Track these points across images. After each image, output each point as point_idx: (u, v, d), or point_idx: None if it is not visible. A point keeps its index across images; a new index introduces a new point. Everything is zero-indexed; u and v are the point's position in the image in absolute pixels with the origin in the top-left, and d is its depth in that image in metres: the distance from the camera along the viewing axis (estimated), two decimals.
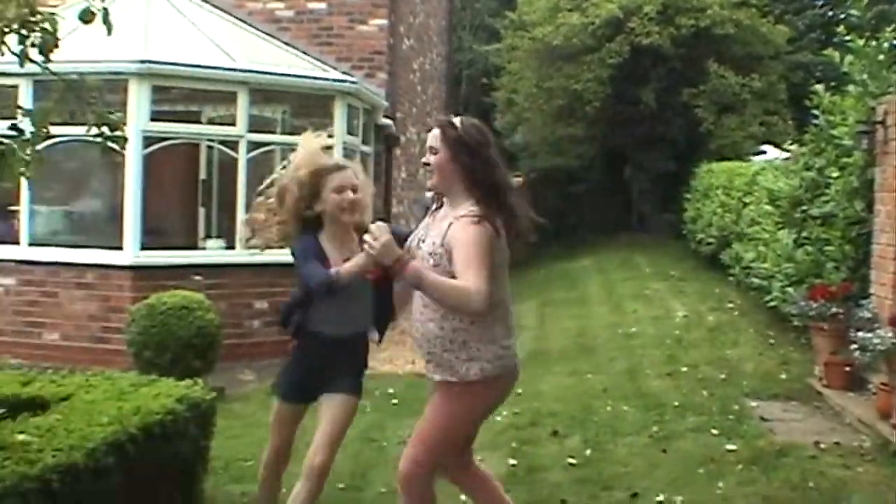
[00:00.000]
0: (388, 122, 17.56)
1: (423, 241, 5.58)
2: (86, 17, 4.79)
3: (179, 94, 14.52)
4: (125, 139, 5.44)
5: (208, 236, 14.62)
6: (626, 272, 22.47)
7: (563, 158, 31.26)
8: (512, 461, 8.58)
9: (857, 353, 9.66)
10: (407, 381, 12.43)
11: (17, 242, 13.04)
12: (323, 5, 16.99)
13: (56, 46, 4.71)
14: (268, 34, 16.31)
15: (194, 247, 14.20)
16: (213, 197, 15.48)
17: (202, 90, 14.13)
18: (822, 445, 8.99)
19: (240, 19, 16.27)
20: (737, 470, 8.19)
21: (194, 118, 15.29)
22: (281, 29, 16.74)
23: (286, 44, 16.18)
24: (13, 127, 4.96)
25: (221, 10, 16.20)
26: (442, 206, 5.69)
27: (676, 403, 10.55)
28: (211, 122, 15.50)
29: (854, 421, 9.86)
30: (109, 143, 5.35)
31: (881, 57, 12.27)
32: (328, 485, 7.95)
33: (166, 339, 10.60)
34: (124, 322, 12.05)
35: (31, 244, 13.01)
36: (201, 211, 15.38)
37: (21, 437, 5.44)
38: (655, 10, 26.73)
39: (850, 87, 12.49)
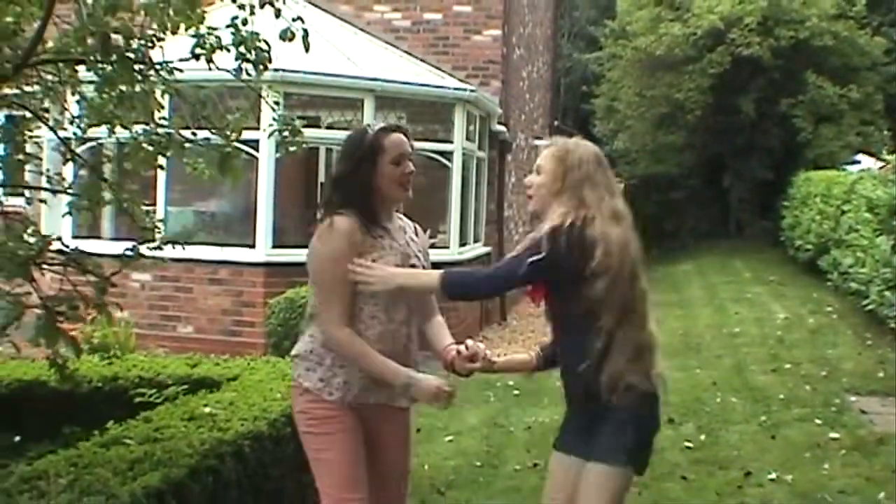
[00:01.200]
0: (502, 128, 18.18)
1: None
2: (286, 36, 5.57)
3: (299, 100, 15.14)
4: (302, 143, 6.25)
5: None
6: (726, 276, 22.90)
7: (664, 166, 31.65)
8: None
9: None
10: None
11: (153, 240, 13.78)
12: (439, 16, 17.62)
13: (270, 62, 5.50)
14: (388, 43, 17.00)
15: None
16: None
17: (327, 97, 14.84)
18: None
19: (361, 29, 16.95)
20: (840, 455, 8.85)
21: (313, 123, 15.93)
22: (398, 38, 17.34)
23: (406, 52, 16.87)
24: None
25: (343, 20, 16.92)
26: None
27: (781, 396, 11.19)
28: (330, 127, 16.10)
29: None
30: (289, 146, 6.17)
31: None
32: (466, 461, 8.79)
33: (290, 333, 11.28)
34: (257, 316, 12.85)
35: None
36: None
37: (207, 409, 6.28)
38: (756, 22, 27.03)
39: None
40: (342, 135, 7.04)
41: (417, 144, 14.73)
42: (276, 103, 6.37)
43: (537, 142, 24.32)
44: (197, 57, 5.36)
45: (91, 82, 5.45)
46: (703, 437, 9.61)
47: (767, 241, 27.81)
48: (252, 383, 7.10)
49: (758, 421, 10.17)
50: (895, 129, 29.05)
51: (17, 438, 6.86)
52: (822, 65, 28.24)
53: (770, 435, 9.59)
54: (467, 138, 16.04)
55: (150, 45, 5.14)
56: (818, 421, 10.10)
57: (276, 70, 5.97)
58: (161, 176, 12.88)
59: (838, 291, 18.19)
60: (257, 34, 5.46)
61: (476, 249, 17.01)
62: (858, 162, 27.47)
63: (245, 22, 5.27)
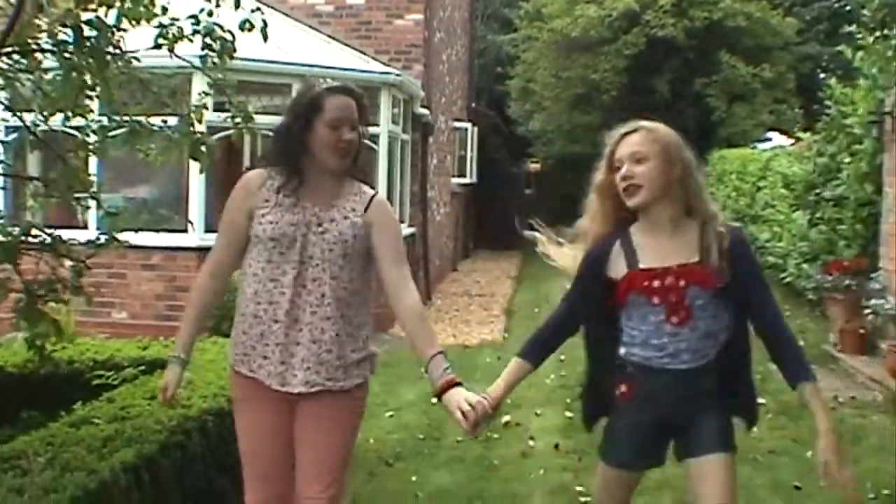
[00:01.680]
0: (425, 111, 18.45)
1: None
2: (244, 26, 5.85)
3: (225, 85, 15.24)
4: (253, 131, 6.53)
5: None
6: None
7: (580, 145, 31.78)
8: (569, 413, 9.70)
9: (870, 318, 10.76)
10: (453, 352, 13.48)
11: (85, 227, 13.92)
12: (361, 1, 17.87)
13: (235, 51, 5.77)
14: (312, 27, 17.21)
15: None
16: None
17: (254, 82, 15.01)
18: (840, 399, 10.16)
19: (285, 14, 17.11)
20: (767, 419, 9.28)
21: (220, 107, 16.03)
22: (322, 23, 17.51)
23: (330, 37, 17.08)
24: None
25: (268, 5, 17.11)
26: None
27: None
28: (256, 112, 16.27)
29: (866, 380, 10.99)
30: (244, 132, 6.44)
31: (889, 52, 13.31)
32: (409, 435, 9.11)
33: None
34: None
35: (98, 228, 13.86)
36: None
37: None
38: (670, 3, 27.51)
39: (861, 81, 13.53)
40: (269, 120, 7.17)
41: None
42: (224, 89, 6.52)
43: (456, 124, 24.69)
44: (159, 46, 5.61)
45: (47, 70, 5.70)
46: None
47: None
48: (204, 363, 7.34)
49: None
50: (807, 108, 29.61)
51: None
52: (736, 45, 28.77)
53: None
54: (392, 121, 16.28)
55: (115, 35, 5.37)
56: None
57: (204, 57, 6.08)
58: (92, 163, 13.01)
59: None
60: (221, 26, 5.71)
61: (403, 231, 17.31)
62: (770, 139, 28.02)
63: (210, 13, 5.53)
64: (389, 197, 16.07)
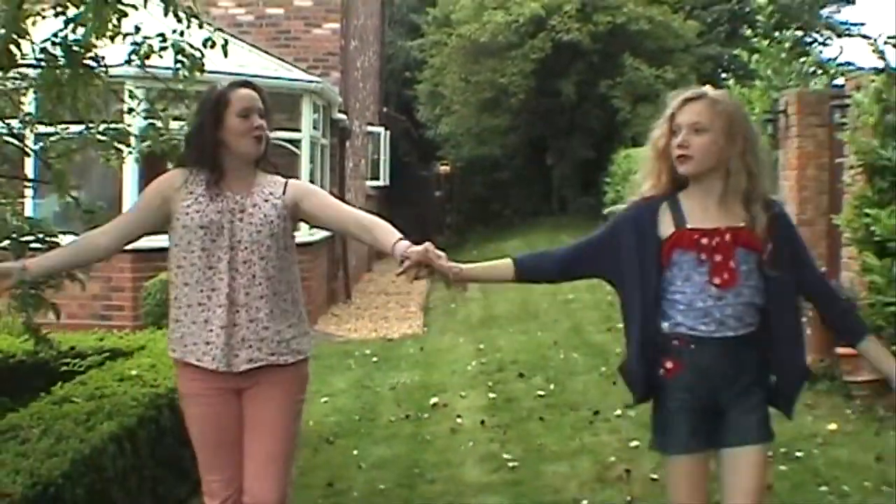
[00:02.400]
0: (342, 116, 19.13)
1: None
2: (207, 43, 6.52)
3: (152, 93, 15.74)
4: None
5: None
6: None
7: (488, 147, 32.64)
8: (492, 395, 10.50)
9: None
10: (376, 344, 14.19)
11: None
12: (281, 11, 18.49)
13: (203, 66, 6.43)
14: (234, 37, 17.79)
15: None
16: None
17: (178, 90, 15.53)
18: None
19: (208, 24, 17.63)
20: None
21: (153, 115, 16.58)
22: (242, 32, 18.05)
23: (252, 46, 17.67)
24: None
25: (193, 15, 17.63)
26: None
27: (618, 351, 12.35)
28: (178, 118, 16.79)
29: None
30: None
31: (783, 55, 14.25)
32: (345, 417, 9.80)
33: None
34: (125, 300, 13.63)
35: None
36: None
37: (133, 371, 7.18)
38: (575, 9, 28.25)
39: (757, 82, 14.42)
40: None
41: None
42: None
43: (369, 128, 25.30)
44: (130, 62, 6.26)
45: (32, 85, 6.33)
46: (552, 386, 10.80)
47: (590, 215, 28.90)
48: (160, 351, 7.86)
49: (598, 371, 11.39)
50: None
51: None
52: (639, 48, 29.57)
53: (611, 382, 10.70)
54: (313, 127, 16.93)
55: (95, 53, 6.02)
56: None
57: (139, 67, 6.58)
58: (29, 166, 13.49)
59: None
60: (191, 44, 6.37)
61: (323, 232, 17.96)
62: None
63: (182, 33, 6.19)
64: None
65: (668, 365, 4.18)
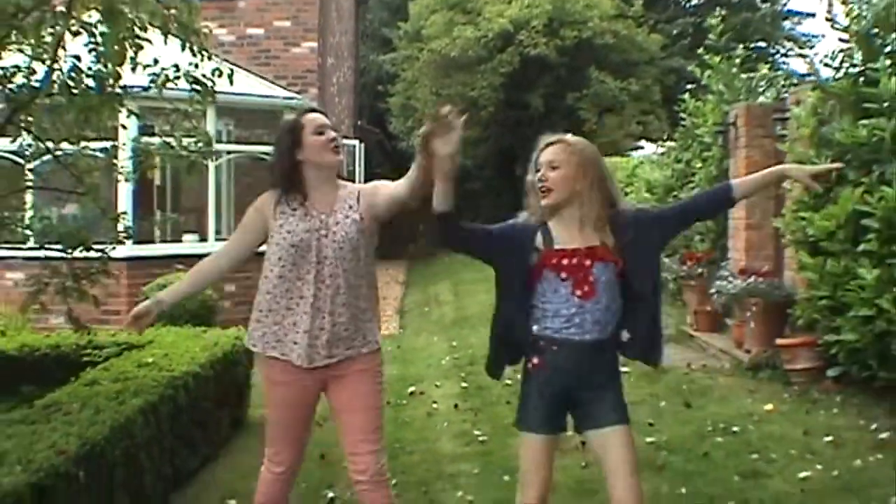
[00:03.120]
0: None
1: None
2: (215, 73, 7.49)
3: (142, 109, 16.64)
4: (214, 153, 8.14)
5: (185, 231, 16.85)
6: None
7: (459, 159, 33.39)
8: (464, 384, 11.48)
9: (715, 297, 12.63)
10: None
11: (24, 242, 15.23)
12: (261, 31, 19.39)
13: (215, 94, 7.40)
14: (216, 55, 18.67)
15: (178, 240, 16.38)
16: (167, 200, 17.90)
17: (170, 108, 16.44)
18: (693, 367, 12.05)
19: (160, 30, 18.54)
20: (630, 381, 11.00)
21: (150, 132, 17.44)
22: (224, 52, 18.89)
23: (235, 65, 18.55)
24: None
25: (178, 37, 18.51)
26: None
27: None
28: (165, 133, 17.65)
29: (717, 352, 12.91)
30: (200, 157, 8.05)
31: (734, 70, 15.32)
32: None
33: (177, 310, 12.82)
34: (121, 304, 14.53)
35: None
36: (158, 213, 17.67)
37: (150, 359, 8.13)
38: (542, 24, 29.09)
39: (710, 96, 15.49)
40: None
41: (250, 148, 16.27)
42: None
43: (345, 141, 26.18)
44: (148, 88, 7.25)
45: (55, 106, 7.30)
46: (518, 376, 11.71)
47: None
48: (168, 343, 8.92)
49: None
50: (672, 118, 31.40)
51: None
52: (604, 61, 30.43)
53: None
54: None
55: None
56: None
57: (128, 87, 7.40)
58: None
59: None
60: (205, 74, 7.35)
61: None
62: (643, 148, 29.63)
63: (196, 66, 7.17)
64: None
65: (535, 361, 4.89)
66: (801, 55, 25.18)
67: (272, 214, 5.40)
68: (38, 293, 7.19)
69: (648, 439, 8.70)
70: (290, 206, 5.37)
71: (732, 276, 12.65)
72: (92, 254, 7.54)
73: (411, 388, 11.41)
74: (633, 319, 4.96)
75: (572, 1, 29.84)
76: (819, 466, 7.72)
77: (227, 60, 18.59)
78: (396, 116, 36.01)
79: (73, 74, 6.88)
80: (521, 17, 29.32)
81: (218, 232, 16.75)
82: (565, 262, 4.84)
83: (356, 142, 27.84)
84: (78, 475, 5.41)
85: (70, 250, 7.30)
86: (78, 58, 6.92)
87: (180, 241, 16.17)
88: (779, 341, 11.06)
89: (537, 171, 4.94)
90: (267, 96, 17.05)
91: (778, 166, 5.36)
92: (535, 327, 4.89)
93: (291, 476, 5.74)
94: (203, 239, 16.20)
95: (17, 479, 4.80)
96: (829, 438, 8.49)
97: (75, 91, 6.92)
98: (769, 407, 9.85)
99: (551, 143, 5.00)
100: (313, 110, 5.67)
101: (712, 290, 12.87)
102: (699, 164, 15.67)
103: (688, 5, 42.84)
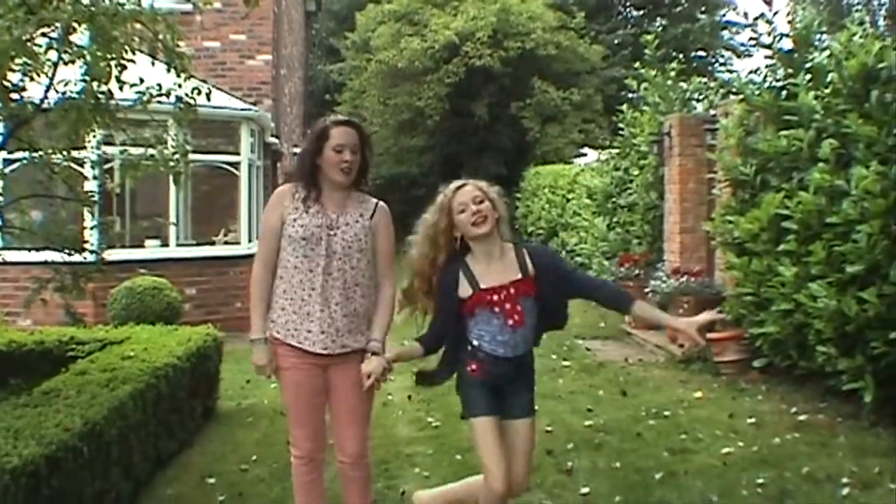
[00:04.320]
0: (274, 140, 20.69)
1: None
2: (193, 91, 8.21)
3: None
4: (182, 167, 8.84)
5: (147, 237, 17.31)
6: None
7: (406, 166, 33.88)
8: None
9: (650, 295, 13.47)
10: None
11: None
12: (217, 44, 19.90)
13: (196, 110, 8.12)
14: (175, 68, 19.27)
15: (140, 245, 16.81)
16: (126, 207, 18.49)
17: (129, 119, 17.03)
18: (630, 361, 12.93)
19: (150, 55, 19.14)
20: (571, 374, 11.97)
21: (110, 142, 17.93)
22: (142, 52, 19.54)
23: (190, 76, 19.15)
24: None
25: (139, 49, 19.04)
26: None
27: None
28: (122, 143, 18.13)
29: (653, 347, 13.78)
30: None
31: (669, 81, 16.20)
32: None
33: (144, 311, 13.41)
34: (87, 307, 15.12)
35: (4, 248, 15.69)
36: (118, 218, 18.17)
37: (131, 353, 8.81)
38: (487, 35, 29.74)
39: (646, 107, 16.35)
40: (141, 151, 8.91)
41: (209, 157, 16.89)
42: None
43: (295, 149, 26.81)
44: (134, 105, 7.96)
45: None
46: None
47: None
48: (145, 339, 9.58)
49: None
50: (613, 126, 32.14)
51: None
52: (547, 71, 31.18)
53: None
54: (251, 150, 18.47)
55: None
56: (554, 356, 13.17)
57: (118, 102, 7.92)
58: None
59: None
60: (188, 93, 8.07)
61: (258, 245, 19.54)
62: (586, 155, 30.13)
63: (180, 86, 7.90)
64: (249, 215, 18.28)
65: (473, 367, 5.58)
66: (729, 71, 26.12)
67: (287, 208, 5.79)
68: (39, 290, 7.81)
69: (587, 422, 9.54)
70: (305, 203, 5.76)
71: (667, 276, 13.48)
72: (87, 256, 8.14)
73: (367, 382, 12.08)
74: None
75: (516, 13, 30.50)
76: (741, 444, 8.56)
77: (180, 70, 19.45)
78: None
79: (67, 92, 7.58)
80: (467, 29, 29.99)
81: (178, 238, 17.30)
82: (495, 297, 5.50)
83: None
84: (83, 450, 6.09)
85: (71, 253, 7.93)
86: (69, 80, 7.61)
87: (142, 246, 16.64)
88: (709, 336, 11.88)
89: (460, 210, 5.52)
90: (223, 107, 17.64)
91: (671, 322, 6.03)
92: (474, 342, 5.57)
93: (313, 463, 6.05)
94: (164, 244, 16.75)
95: (33, 451, 5.45)
96: (752, 420, 9.38)
97: (66, 108, 7.61)
98: (699, 395, 10.71)
99: (462, 186, 5.65)
100: (348, 123, 5.89)
101: (648, 290, 13.74)
102: (636, 172, 16.58)
103: (629, 16, 43.75)
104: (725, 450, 8.38)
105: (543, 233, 24.41)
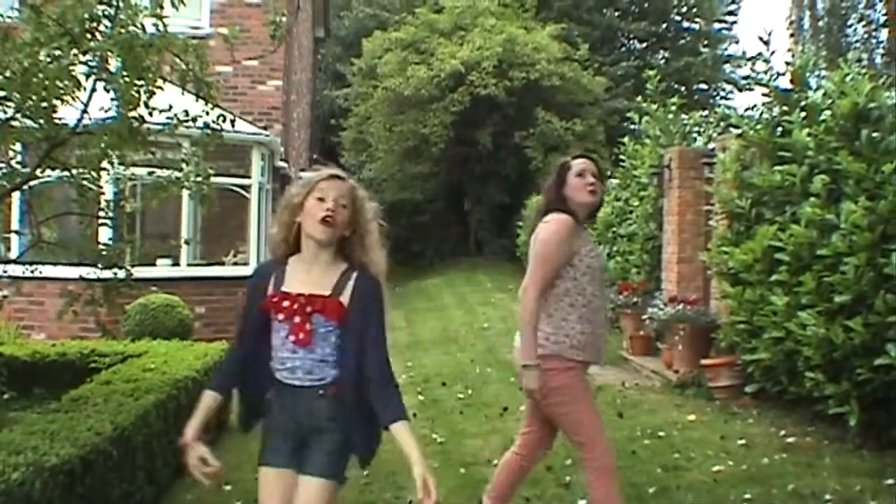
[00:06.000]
0: (283, 164, 21.12)
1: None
2: (218, 119, 8.67)
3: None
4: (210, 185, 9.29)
5: (159, 257, 17.75)
6: (472, 287, 26.20)
7: (409, 192, 34.22)
8: (421, 397, 12.68)
9: (648, 322, 13.91)
10: None
11: (10, 262, 16.03)
12: (230, 69, 20.37)
13: (222, 135, 8.57)
14: (189, 91, 19.75)
15: (153, 264, 17.22)
16: (136, 226, 18.91)
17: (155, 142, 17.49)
18: (627, 385, 13.34)
19: (165, 79, 19.62)
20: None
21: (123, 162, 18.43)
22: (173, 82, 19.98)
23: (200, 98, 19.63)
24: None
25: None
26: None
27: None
28: (134, 164, 18.63)
29: (649, 373, 14.20)
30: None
31: (671, 115, 16.66)
32: None
33: (157, 327, 13.84)
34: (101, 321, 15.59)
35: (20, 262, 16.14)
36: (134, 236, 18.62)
37: (152, 365, 9.24)
38: (492, 65, 30.15)
39: (647, 140, 16.81)
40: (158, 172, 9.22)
41: (220, 179, 17.33)
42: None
43: (302, 173, 27.28)
44: (162, 129, 8.42)
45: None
46: (469, 391, 13.02)
47: (505, 256, 30.81)
48: (161, 353, 10.04)
49: (508, 381, 13.48)
50: (615, 157, 32.30)
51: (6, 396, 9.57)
52: (551, 101, 31.58)
53: (518, 387, 12.86)
54: (261, 174, 19.00)
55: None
56: None
57: (99, 120, 8.22)
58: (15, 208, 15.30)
59: None
60: (214, 120, 8.52)
61: None
62: None
63: (207, 113, 8.35)
64: (258, 237, 18.73)
65: (270, 394, 4.84)
66: (727, 107, 26.61)
67: (578, 240, 6.21)
68: (71, 303, 8.27)
69: None
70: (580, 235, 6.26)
71: (664, 304, 13.92)
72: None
73: None
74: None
75: (521, 44, 30.89)
76: (731, 463, 9.00)
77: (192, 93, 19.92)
78: (348, 150, 37.00)
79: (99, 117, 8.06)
80: (473, 59, 30.37)
81: (189, 257, 17.74)
82: (286, 304, 4.77)
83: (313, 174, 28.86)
84: (112, 453, 6.50)
85: (104, 269, 8.39)
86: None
87: (154, 265, 17.03)
88: (703, 362, 12.37)
89: (320, 199, 4.73)
90: (237, 132, 18.05)
91: (415, 464, 4.66)
92: (272, 363, 4.85)
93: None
94: (176, 264, 17.19)
95: (69, 452, 5.84)
96: (742, 441, 9.80)
97: (106, 132, 8.08)
98: (692, 417, 11.13)
99: (339, 178, 4.88)
100: (583, 156, 6.52)
101: (645, 317, 14.19)
102: (636, 202, 17.04)
103: (632, 49, 44.24)
104: (716, 468, 8.81)
105: None
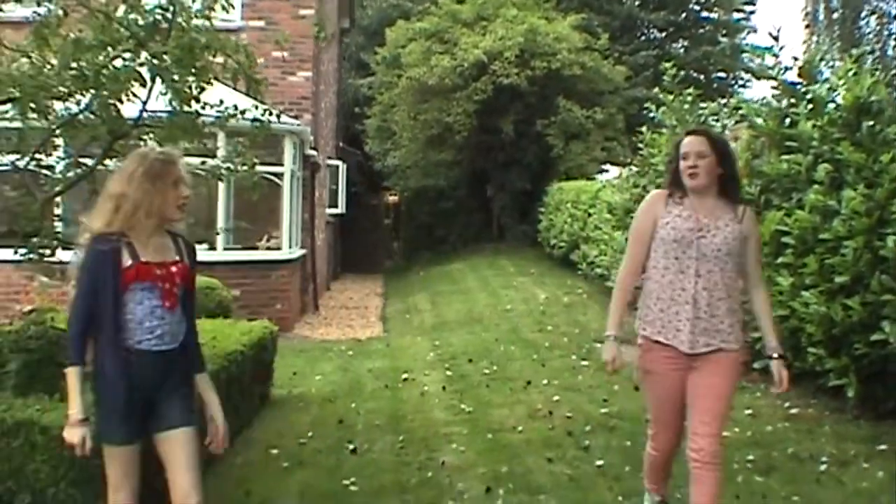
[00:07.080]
0: (313, 152, 21.84)
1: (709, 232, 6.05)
2: (269, 113, 9.37)
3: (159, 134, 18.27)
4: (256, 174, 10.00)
5: (196, 242, 18.33)
6: (494, 271, 26.68)
7: (434, 179, 34.56)
8: (449, 373, 13.42)
9: None
10: (348, 343, 17.12)
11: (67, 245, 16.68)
12: (261, 60, 20.95)
13: (271, 128, 9.26)
14: (222, 83, 20.43)
15: None
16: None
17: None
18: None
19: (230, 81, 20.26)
20: (590, 372, 13.05)
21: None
22: (228, 79, 20.65)
23: (242, 92, 20.31)
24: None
25: None
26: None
27: (547, 345, 15.41)
28: (202, 155, 19.22)
29: None
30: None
31: (686, 106, 17.26)
32: (338, 387, 12.63)
33: (199, 308, 14.40)
34: None
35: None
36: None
37: (202, 341, 9.87)
38: (514, 55, 30.38)
39: (664, 129, 17.41)
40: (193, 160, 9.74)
41: (263, 168, 17.90)
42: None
43: (329, 161, 27.92)
44: (215, 123, 9.14)
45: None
46: (494, 367, 13.73)
47: (527, 241, 31.15)
48: (209, 330, 10.50)
49: (531, 358, 14.27)
50: (633, 144, 32.48)
51: None
52: (572, 90, 31.87)
53: (541, 364, 13.72)
54: (293, 162, 19.72)
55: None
56: (574, 357, 14.31)
57: (151, 112, 8.87)
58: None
59: (587, 278, 22.50)
60: (264, 114, 9.19)
61: (299, 251, 20.77)
62: (608, 171, 30.69)
63: (256, 107, 9.06)
64: (290, 223, 19.46)
65: (114, 366, 5.04)
66: (741, 99, 26.89)
67: (660, 213, 6.14)
68: None
69: (603, 410, 10.72)
70: (677, 207, 6.12)
71: None
72: None
73: (404, 376, 13.33)
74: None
75: (543, 34, 31.20)
76: (737, 430, 9.69)
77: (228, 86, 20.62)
78: (372, 138, 37.28)
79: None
80: (495, 49, 30.61)
81: (225, 242, 18.45)
82: (157, 272, 5.14)
83: (339, 162, 29.52)
84: None
85: None
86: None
87: None
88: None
89: (174, 184, 5.35)
90: (274, 122, 18.74)
91: (215, 413, 5.55)
92: (120, 336, 5.06)
93: (670, 454, 6.52)
94: (212, 248, 17.86)
95: None
96: (749, 411, 10.52)
97: (170, 127, 8.80)
98: None
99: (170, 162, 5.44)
100: (693, 132, 6.29)
101: None
102: (654, 189, 17.58)
103: (652, 38, 44.65)
104: (723, 434, 9.47)
105: (565, 245, 25.36)
